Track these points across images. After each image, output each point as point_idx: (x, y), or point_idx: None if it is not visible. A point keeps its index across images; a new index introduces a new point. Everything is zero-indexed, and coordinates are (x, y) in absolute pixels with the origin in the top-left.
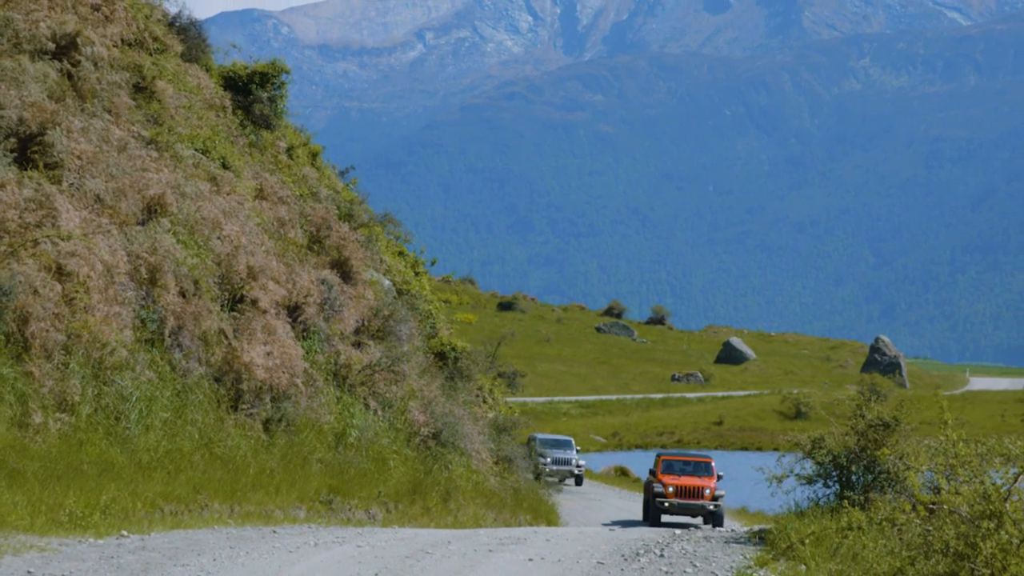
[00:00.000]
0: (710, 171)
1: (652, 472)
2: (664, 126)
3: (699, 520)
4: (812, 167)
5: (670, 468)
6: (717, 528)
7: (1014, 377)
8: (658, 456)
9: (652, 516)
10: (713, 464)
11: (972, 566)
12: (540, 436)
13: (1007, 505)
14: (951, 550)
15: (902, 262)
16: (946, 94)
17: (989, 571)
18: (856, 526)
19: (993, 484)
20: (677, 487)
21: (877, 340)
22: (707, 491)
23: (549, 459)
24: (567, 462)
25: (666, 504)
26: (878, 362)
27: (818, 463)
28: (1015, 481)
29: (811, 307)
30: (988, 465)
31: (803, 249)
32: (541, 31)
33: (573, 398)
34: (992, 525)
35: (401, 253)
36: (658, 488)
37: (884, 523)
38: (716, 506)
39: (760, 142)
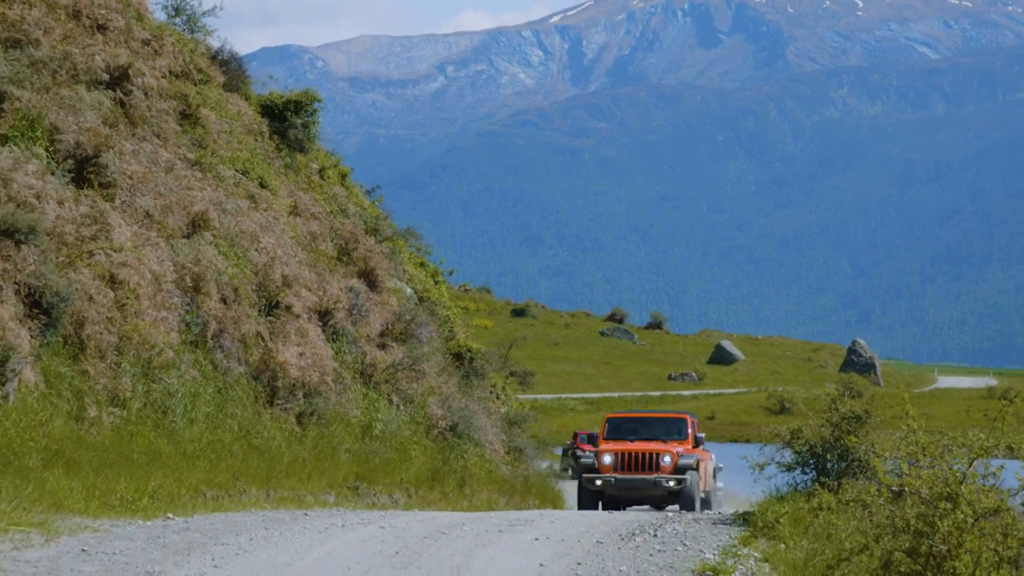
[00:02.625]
0: (703, 191)
1: (592, 439)
2: (662, 151)
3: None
4: (795, 187)
5: (617, 431)
6: (691, 512)
7: (977, 376)
8: (606, 418)
9: (584, 502)
10: (691, 421)
11: (931, 542)
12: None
13: (962, 488)
14: (912, 528)
15: (877, 273)
16: (917, 121)
17: (946, 547)
18: (826, 507)
19: (950, 468)
20: (619, 455)
21: (854, 343)
22: (666, 459)
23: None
24: None
25: (598, 483)
26: (855, 363)
27: (796, 452)
28: (970, 466)
29: (794, 313)
30: (952, 455)
31: (787, 261)
32: (551, 65)
33: (579, 395)
34: (949, 506)
35: (422, 264)
36: (587, 458)
37: (853, 504)
38: (679, 481)
39: (748, 165)
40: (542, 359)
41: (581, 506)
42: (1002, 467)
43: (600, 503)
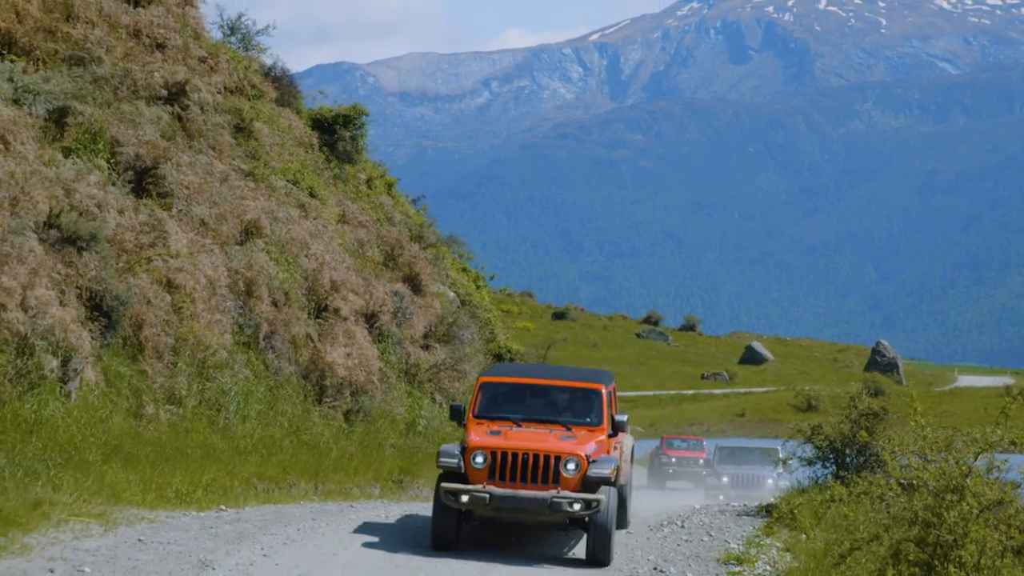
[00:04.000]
0: (735, 200)
1: (458, 414)
2: (696, 162)
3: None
4: (823, 196)
5: (495, 404)
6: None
7: (996, 376)
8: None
9: (438, 537)
10: (606, 393)
11: (938, 533)
12: (724, 444)
13: (968, 480)
14: (920, 519)
15: (900, 277)
16: (938, 133)
17: (952, 537)
18: (838, 498)
19: (956, 462)
20: (495, 455)
21: (878, 344)
22: (569, 466)
23: (727, 478)
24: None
25: (463, 499)
26: (879, 363)
27: (817, 447)
28: (975, 459)
29: (822, 316)
30: (958, 450)
31: (815, 266)
32: (590, 80)
33: None
34: (955, 498)
35: (464, 269)
36: (450, 459)
37: (863, 496)
38: (588, 504)
39: (778, 175)
40: (581, 360)
41: (436, 534)
42: (1005, 461)
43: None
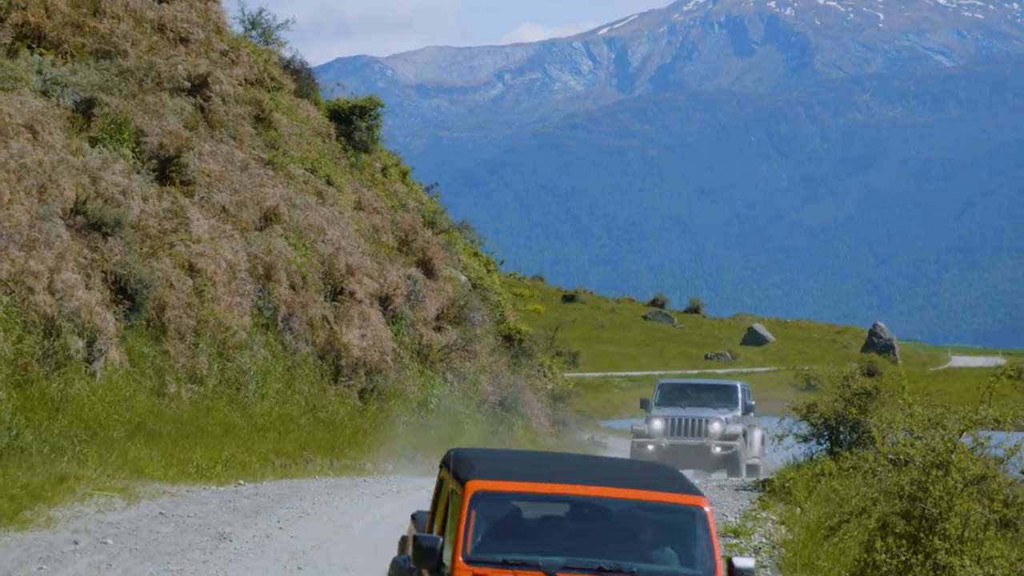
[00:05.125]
0: (738, 187)
1: (645, 405)
2: (700, 151)
3: None
4: (822, 184)
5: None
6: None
7: (988, 356)
8: (659, 384)
9: None
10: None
11: (924, 506)
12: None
13: (953, 456)
14: (906, 493)
15: (896, 261)
16: (933, 123)
17: (938, 510)
18: (827, 473)
19: (942, 438)
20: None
21: (875, 326)
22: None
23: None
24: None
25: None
26: (875, 344)
27: (812, 424)
28: (960, 436)
29: (821, 299)
30: (952, 427)
31: (815, 251)
32: (599, 72)
33: (623, 373)
34: (940, 473)
35: (476, 254)
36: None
37: (853, 471)
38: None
39: (779, 163)
40: (590, 341)
41: None
42: (989, 438)
43: None
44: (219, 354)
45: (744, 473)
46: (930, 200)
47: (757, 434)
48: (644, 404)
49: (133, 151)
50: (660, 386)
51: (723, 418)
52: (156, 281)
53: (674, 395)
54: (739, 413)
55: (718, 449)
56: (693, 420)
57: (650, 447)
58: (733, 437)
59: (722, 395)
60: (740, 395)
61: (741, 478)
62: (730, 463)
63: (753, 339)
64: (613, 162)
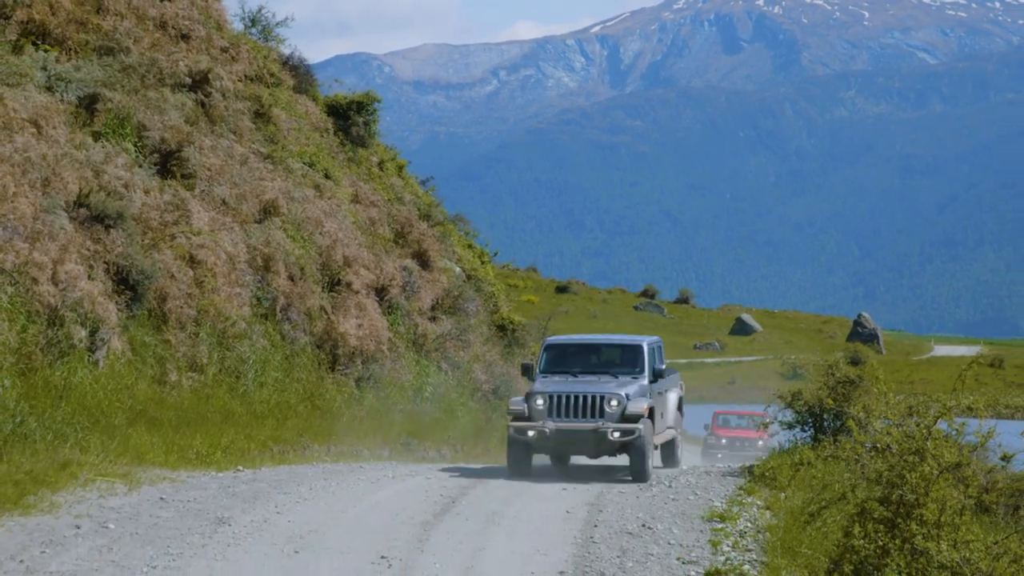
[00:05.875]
0: (727, 182)
1: (527, 371)
2: (690, 146)
3: None
4: (809, 179)
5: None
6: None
7: (970, 345)
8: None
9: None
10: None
11: (901, 492)
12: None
13: (928, 443)
14: (884, 479)
15: (881, 254)
16: (917, 119)
17: (914, 496)
18: (806, 461)
19: (916, 426)
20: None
21: (859, 316)
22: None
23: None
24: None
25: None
26: (860, 334)
27: (797, 412)
28: (934, 423)
29: (808, 290)
30: (927, 414)
31: (801, 244)
32: (592, 69)
33: None
34: (916, 459)
35: (470, 246)
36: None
37: (832, 459)
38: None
39: (767, 158)
40: (582, 330)
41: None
42: (963, 424)
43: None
44: (219, 343)
45: (651, 458)
46: (914, 194)
47: (672, 397)
48: (527, 371)
49: (135, 145)
50: (547, 347)
51: (623, 392)
52: (157, 272)
53: (564, 359)
54: (646, 382)
55: (617, 434)
56: (584, 397)
57: (531, 433)
58: (636, 418)
59: (626, 357)
60: (647, 357)
61: (668, 466)
62: (633, 452)
63: (741, 329)
64: (605, 157)
